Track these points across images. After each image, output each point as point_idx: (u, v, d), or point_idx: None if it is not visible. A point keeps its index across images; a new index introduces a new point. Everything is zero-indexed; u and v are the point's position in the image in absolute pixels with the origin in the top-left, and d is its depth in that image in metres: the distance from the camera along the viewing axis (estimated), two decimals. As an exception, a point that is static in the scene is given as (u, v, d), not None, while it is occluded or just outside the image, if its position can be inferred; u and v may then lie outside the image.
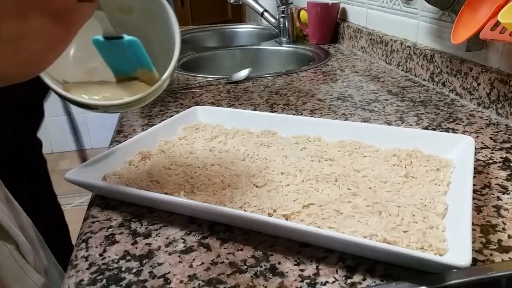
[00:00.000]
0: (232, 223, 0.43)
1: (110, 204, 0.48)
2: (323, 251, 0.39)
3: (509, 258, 0.38)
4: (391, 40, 1.02)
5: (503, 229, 0.42)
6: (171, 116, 0.69)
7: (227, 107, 0.79)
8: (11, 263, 0.60)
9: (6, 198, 0.66)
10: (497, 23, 0.60)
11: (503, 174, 0.52)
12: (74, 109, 2.70)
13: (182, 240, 0.42)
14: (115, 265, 0.39)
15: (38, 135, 1.14)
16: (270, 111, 0.76)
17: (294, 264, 0.38)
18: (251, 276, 0.37)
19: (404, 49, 0.97)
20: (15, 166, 1.06)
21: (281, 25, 1.35)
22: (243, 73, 0.97)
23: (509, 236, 0.41)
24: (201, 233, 0.43)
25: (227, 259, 0.39)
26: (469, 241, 0.34)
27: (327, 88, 0.89)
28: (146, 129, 0.62)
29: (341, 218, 0.41)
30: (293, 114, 0.74)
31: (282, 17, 1.34)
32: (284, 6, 1.33)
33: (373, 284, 0.35)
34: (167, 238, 0.42)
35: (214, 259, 0.39)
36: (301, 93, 0.86)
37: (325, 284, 0.35)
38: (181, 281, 0.36)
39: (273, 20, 1.38)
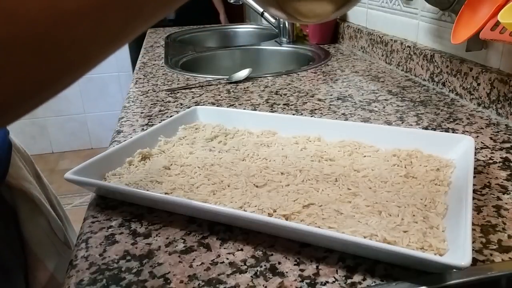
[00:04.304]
0: (232, 223, 0.43)
1: (110, 204, 0.48)
2: (323, 251, 0.39)
3: (509, 258, 0.38)
4: (391, 40, 1.02)
5: (503, 229, 0.42)
6: (171, 116, 0.69)
7: (227, 107, 0.79)
8: (45, 239, 0.61)
9: (36, 174, 0.67)
10: (497, 23, 0.60)
11: (503, 174, 0.52)
12: (74, 109, 2.69)
13: (182, 240, 0.42)
14: (115, 265, 0.39)
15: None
16: (270, 111, 0.76)
17: (294, 264, 0.38)
18: (251, 276, 0.37)
19: (404, 49, 0.97)
20: None
21: (281, 25, 1.35)
22: (243, 73, 0.97)
23: (509, 236, 0.41)
24: (201, 233, 0.43)
25: (227, 259, 0.39)
26: (469, 241, 0.34)
27: (327, 88, 0.89)
28: (146, 129, 0.62)
29: (341, 218, 0.41)
30: (293, 114, 0.74)
31: (282, 17, 1.34)
32: (284, 6, 1.33)
33: (373, 284, 0.35)
34: (167, 238, 0.42)
35: (214, 259, 0.39)
36: (301, 93, 0.86)
37: (325, 284, 0.35)
38: (181, 281, 0.36)
39: (273, 20, 1.38)
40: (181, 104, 0.82)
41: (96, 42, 0.22)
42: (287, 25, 1.34)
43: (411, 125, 0.68)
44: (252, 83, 0.94)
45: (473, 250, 0.35)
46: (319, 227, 0.39)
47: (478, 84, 0.74)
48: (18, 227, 0.59)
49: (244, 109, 0.77)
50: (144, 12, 0.22)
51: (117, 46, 0.23)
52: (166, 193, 0.46)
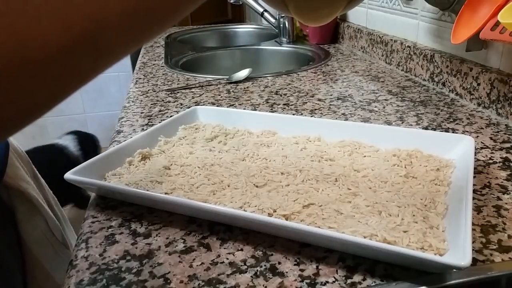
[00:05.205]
0: (232, 223, 0.43)
1: (110, 204, 0.48)
2: (323, 251, 0.39)
3: (509, 258, 0.38)
4: (391, 40, 1.02)
5: (503, 229, 0.42)
6: (171, 116, 0.69)
7: (227, 107, 0.79)
8: (42, 240, 0.61)
9: (34, 175, 0.67)
10: (497, 23, 0.60)
11: (503, 174, 0.52)
12: (74, 109, 2.70)
13: (182, 240, 0.42)
14: (115, 265, 0.39)
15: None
16: (270, 111, 0.76)
17: (294, 264, 0.38)
18: (251, 276, 0.37)
19: (404, 49, 0.97)
20: None
21: (281, 25, 1.35)
22: (243, 73, 0.97)
23: (509, 236, 0.41)
24: (201, 233, 0.43)
25: (227, 259, 0.39)
26: (469, 241, 0.34)
27: (327, 88, 0.89)
28: (146, 129, 0.62)
29: (341, 218, 0.41)
30: (293, 114, 0.74)
31: (282, 17, 1.34)
32: (284, 6, 1.33)
33: (373, 284, 0.35)
34: (167, 238, 0.42)
35: (214, 259, 0.39)
36: (301, 93, 0.86)
37: (325, 284, 0.35)
38: (181, 281, 0.36)
39: (273, 20, 1.38)
40: (181, 104, 0.82)
41: (65, 84, 0.21)
42: (287, 25, 1.34)
43: (411, 125, 0.68)
44: (252, 83, 0.94)
45: (473, 250, 0.35)
46: (319, 227, 0.39)
47: (478, 84, 0.74)
48: (15, 227, 0.59)
49: (244, 109, 0.77)
50: (114, 52, 0.22)
51: (88, 81, 0.23)
52: (166, 193, 0.46)
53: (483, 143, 0.61)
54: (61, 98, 0.22)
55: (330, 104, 0.79)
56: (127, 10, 0.20)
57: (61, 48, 0.19)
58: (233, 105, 0.81)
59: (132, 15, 0.21)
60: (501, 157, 0.56)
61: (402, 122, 0.69)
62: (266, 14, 1.38)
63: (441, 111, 0.74)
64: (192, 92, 0.89)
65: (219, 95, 0.87)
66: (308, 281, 0.36)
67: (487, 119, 0.69)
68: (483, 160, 0.56)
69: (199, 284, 0.36)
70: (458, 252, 0.34)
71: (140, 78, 1.01)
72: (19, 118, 0.21)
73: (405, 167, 0.50)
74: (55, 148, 1.80)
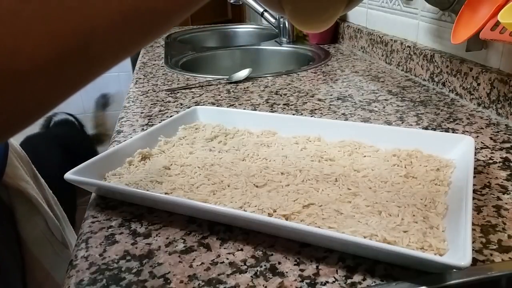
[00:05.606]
0: (232, 223, 0.43)
1: (110, 204, 0.48)
2: (323, 251, 0.39)
3: (509, 258, 0.38)
4: (391, 40, 1.02)
5: (503, 229, 0.42)
6: (171, 116, 0.69)
7: (227, 107, 0.79)
8: (42, 239, 0.62)
9: (33, 175, 0.67)
10: (497, 23, 0.60)
11: (503, 174, 0.52)
12: (73, 109, 2.71)
13: (182, 240, 0.42)
14: (115, 265, 0.39)
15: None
16: (270, 111, 0.76)
17: (294, 264, 0.38)
18: (251, 276, 0.37)
19: (404, 49, 0.97)
20: None
21: (281, 25, 1.35)
22: (243, 73, 0.97)
23: (509, 236, 0.41)
24: (201, 233, 0.43)
25: (227, 259, 0.39)
26: (469, 241, 0.34)
27: (327, 88, 0.89)
28: (146, 129, 0.62)
29: (341, 218, 0.41)
30: (293, 114, 0.74)
31: (282, 17, 1.34)
32: (284, 6, 1.33)
33: (373, 284, 0.35)
34: (167, 238, 0.42)
35: (214, 259, 0.39)
36: (301, 93, 0.86)
37: (325, 284, 0.35)
38: (181, 281, 0.36)
39: (273, 20, 1.38)
40: (181, 104, 0.82)
41: (55, 93, 0.22)
42: (287, 25, 1.34)
43: (411, 125, 0.68)
44: (252, 83, 0.94)
45: (473, 250, 0.35)
46: (319, 227, 0.39)
47: (478, 84, 0.74)
48: (15, 227, 0.59)
49: (244, 109, 0.77)
50: (104, 62, 0.22)
51: (79, 90, 0.23)
52: (166, 193, 0.46)
53: (483, 143, 0.61)
54: (52, 106, 0.22)
55: (330, 104, 0.79)
56: (116, 21, 0.20)
57: (49, 60, 0.20)
58: (233, 105, 0.81)
59: (122, 25, 0.21)
60: (501, 157, 0.56)
61: (402, 122, 0.69)
62: (266, 14, 1.38)
63: (441, 111, 0.74)
64: (192, 92, 0.89)
65: (219, 95, 0.87)
66: (308, 281, 0.36)
67: (487, 119, 0.69)
68: (483, 160, 0.56)
69: (199, 284, 0.36)
70: (458, 252, 0.34)
71: (140, 78, 1.01)
72: (10, 125, 0.22)
73: (405, 167, 0.50)
74: (74, 122, 1.94)
